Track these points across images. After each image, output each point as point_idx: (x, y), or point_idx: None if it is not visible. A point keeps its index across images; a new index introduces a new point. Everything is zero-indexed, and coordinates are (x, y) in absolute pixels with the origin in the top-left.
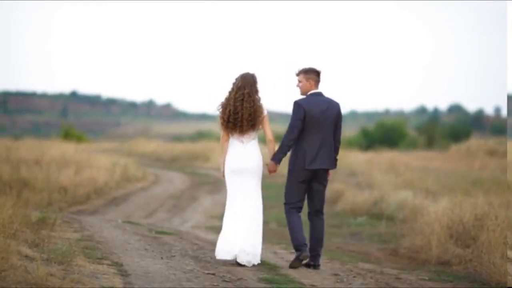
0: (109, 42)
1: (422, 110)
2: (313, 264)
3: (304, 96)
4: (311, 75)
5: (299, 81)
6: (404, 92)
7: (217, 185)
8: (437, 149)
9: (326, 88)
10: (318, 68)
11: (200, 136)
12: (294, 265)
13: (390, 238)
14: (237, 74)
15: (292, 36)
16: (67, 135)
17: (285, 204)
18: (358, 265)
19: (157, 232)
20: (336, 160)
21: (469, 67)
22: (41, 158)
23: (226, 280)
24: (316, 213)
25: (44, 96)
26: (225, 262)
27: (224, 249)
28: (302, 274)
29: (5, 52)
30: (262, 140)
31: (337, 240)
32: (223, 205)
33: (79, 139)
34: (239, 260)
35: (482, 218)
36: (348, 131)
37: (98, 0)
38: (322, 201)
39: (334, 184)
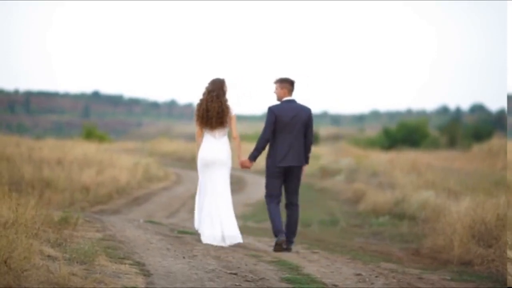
0: (131, 42)
1: (444, 110)
2: (286, 248)
3: (279, 102)
4: (285, 84)
5: (275, 89)
6: (426, 92)
7: (239, 184)
8: (459, 149)
9: (349, 88)
10: (292, 78)
11: None
12: (276, 249)
13: (412, 238)
14: (257, 75)
15: (315, 37)
16: (89, 135)
17: (265, 196)
18: (380, 265)
19: (179, 232)
20: (308, 157)
21: (492, 66)
22: (63, 158)
23: (248, 280)
24: (290, 204)
25: (66, 96)
26: (244, 260)
27: (208, 234)
28: (324, 274)
29: (28, 52)
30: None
31: (359, 239)
32: (245, 205)
33: (101, 139)
34: (222, 243)
35: (505, 218)
36: (370, 131)
37: (121, 0)
38: (295, 193)
39: (356, 184)
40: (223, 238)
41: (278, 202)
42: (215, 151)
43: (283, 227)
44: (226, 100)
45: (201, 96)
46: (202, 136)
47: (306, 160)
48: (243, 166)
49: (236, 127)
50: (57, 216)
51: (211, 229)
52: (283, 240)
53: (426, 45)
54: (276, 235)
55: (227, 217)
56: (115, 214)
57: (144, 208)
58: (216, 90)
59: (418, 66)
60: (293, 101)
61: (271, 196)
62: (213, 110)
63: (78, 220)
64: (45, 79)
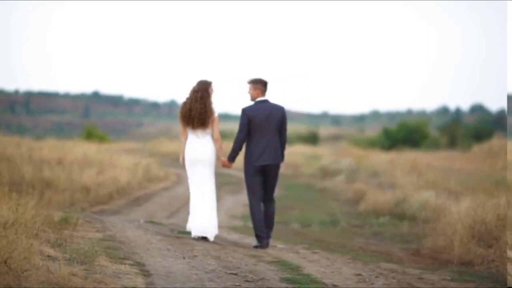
0: (131, 42)
1: (444, 110)
2: (265, 243)
3: (252, 102)
4: (258, 85)
5: (249, 89)
6: (426, 92)
7: (239, 185)
8: (459, 149)
9: (349, 88)
10: (265, 79)
11: (222, 136)
12: (256, 247)
13: (413, 238)
14: (260, 76)
15: (315, 37)
16: (90, 135)
17: (247, 196)
18: (381, 265)
19: (179, 232)
20: (283, 154)
21: (492, 66)
22: (64, 158)
23: (248, 280)
24: (267, 200)
25: (66, 96)
26: (244, 261)
27: (192, 227)
28: (324, 274)
29: (28, 52)
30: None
31: (359, 240)
32: (245, 205)
33: (101, 139)
34: (203, 235)
35: (505, 218)
36: (370, 131)
37: (121, 0)
38: (272, 190)
39: (356, 184)
40: (202, 231)
41: (260, 200)
42: (199, 150)
43: (265, 231)
44: (210, 103)
45: (187, 95)
46: (185, 134)
47: (282, 157)
48: (224, 166)
49: (218, 129)
50: (57, 217)
51: (192, 222)
52: (266, 246)
53: (426, 45)
54: (257, 239)
55: (206, 213)
56: (116, 214)
57: (145, 209)
58: (201, 91)
59: (418, 66)
60: (266, 101)
61: (253, 194)
62: (195, 110)
63: (78, 220)
64: (45, 79)
